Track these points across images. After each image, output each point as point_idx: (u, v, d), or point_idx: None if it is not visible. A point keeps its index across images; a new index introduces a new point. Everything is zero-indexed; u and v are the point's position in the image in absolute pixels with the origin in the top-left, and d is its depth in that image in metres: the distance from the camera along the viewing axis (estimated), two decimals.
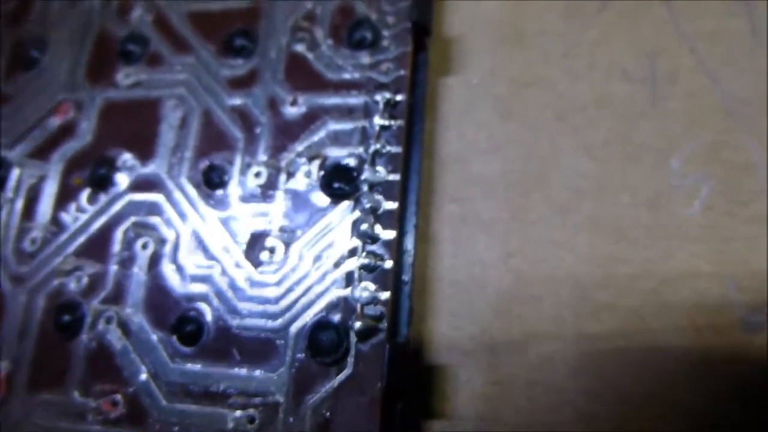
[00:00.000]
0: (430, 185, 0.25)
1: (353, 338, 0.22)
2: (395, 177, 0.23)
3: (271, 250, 0.24)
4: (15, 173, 0.28)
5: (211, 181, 0.25)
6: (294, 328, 0.23)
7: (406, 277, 0.23)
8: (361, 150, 0.24)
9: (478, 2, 0.26)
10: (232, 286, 0.24)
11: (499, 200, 0.24)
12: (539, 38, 0.26)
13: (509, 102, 0.25)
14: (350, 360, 0.22)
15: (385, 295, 0.22)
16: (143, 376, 0.24)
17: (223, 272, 0.24)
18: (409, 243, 0.23)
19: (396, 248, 0.23)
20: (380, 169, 0.23)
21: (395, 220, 0.23)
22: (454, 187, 0.25)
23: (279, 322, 0.23)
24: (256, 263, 0.24)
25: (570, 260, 0.23)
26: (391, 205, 0.23)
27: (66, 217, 0.26)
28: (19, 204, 0.27)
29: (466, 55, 0.26)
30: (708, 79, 0.24)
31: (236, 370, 0.23)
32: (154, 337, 0.24)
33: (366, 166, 0.24)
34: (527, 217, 0.24)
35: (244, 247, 0.24)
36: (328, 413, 0.22)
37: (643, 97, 0.24)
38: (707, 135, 0.23)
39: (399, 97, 0.24)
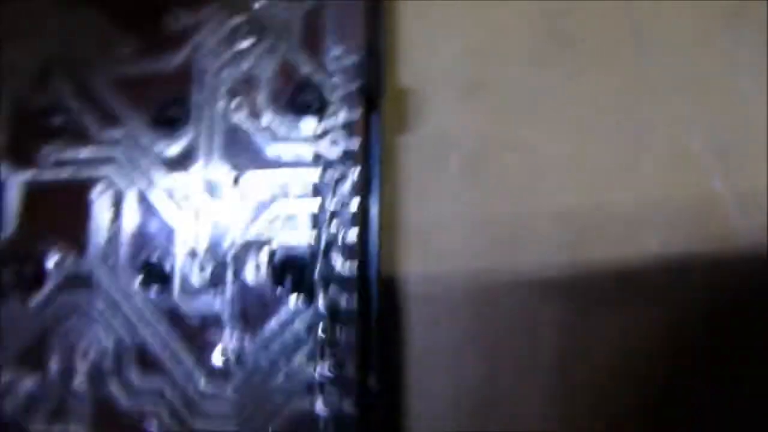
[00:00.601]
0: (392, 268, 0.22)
1: None
2: (352, 268, 0.21)
3: (222, 353, 0.21)
4: None
5: (151, 277, 0.23)
6: None
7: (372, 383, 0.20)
8: (313, 236, 0.21)
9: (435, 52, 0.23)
10: (182, 398, 0.21)
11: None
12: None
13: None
14: None
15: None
16: None
17: (174, 382, 0.22)
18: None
19: (359, 353, 0.20)
20: (336, 259, 0.21)
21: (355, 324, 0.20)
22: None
23: None
24: (207, 371, 0.21)
25: None
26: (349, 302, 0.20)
27: None
28: None
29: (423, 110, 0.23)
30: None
31: None
32: None
33: (320, 258, 0.21)
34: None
35: (194, 351, 0.22)
36: None
37: None
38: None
39: (351, 174, 0.21)
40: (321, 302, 0.20)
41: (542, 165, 0.22)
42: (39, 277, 0.24)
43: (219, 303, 0.22)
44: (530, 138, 0.23)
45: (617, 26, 0.23)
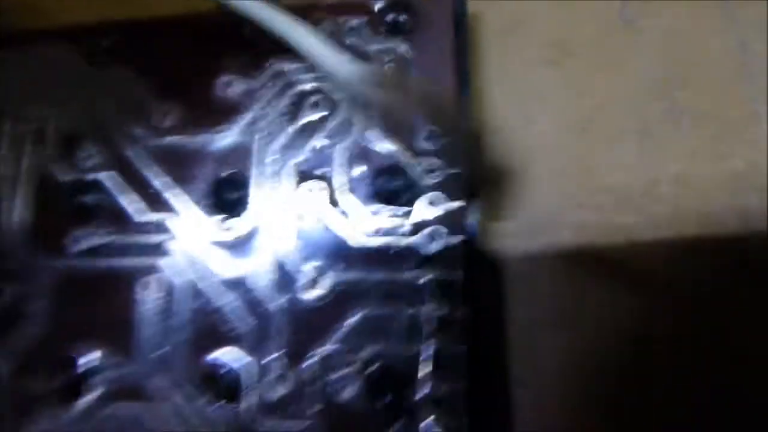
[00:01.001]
0: None
1: None
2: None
3: None
4: None
5: (219, 391, 0.20)
6: None
7: None
8: (412, 350, 0.19)
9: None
10: None
11: None
12: None
13: None
14: None
15: None
16: None
17: None
18: None
19: None
20: (441, 380, 0.18)
21: None
22: None
23: None
24: None
25: None
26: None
27: None
28: None
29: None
30: None
31: None
32: None
33: (422, 373, 0.18)
34: None
35: None
36: None
37: None
38: None
39: (453, 277, 0.19)
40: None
41: None
42: (76, 386, 0.20)
43: (299, 423, 0.19)
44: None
45: None
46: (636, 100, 0.21)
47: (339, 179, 0.20)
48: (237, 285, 0.20)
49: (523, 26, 0.22)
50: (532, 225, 0.21)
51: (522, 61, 0.22)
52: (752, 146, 0.20)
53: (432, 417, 0.18)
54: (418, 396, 0.18)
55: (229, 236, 0.21)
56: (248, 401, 0.19)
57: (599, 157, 0.21)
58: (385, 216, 0.20)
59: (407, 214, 0.20)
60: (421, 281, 0.19)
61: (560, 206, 0.21)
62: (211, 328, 0.20)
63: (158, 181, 0.21)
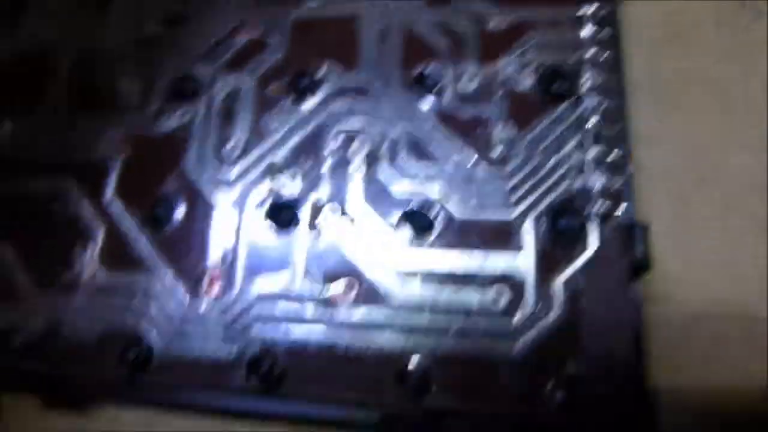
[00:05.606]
0: None
1: (593, 222, 0.23)
2: (612, 78, 0.25)
3: (501, 142, 0.25)
4: (207, 86, 0.28)
5: (426, 87, 0.26)
6: (532, 215, 0.24)
7: (629, 167, 0.24)
8: (574, 56, 0.25)
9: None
10: (461, 181, 0.24)
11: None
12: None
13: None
14: (592, 241, 0.23)
15: (618, 182, 0.23)
16: (375, 265, 0.24)
17: (451, 169, 0.25)
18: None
19: (624, 138, 0.24)
20: (597, 71, 0.25)
21: (618, 115, 0.24)
22: None
23: (516, 210, 0.24)
24: (486, 157, 0.25)
25: None
26: (612, 102, 0.24)
27: (269, 123, 0.27)
28: (217, 114, 0.27)
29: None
30: None
31: (476, 256, 0.23)
32: (383, 230, 0.24)
33: (584, 69, 0.25)
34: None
35: (468, 145, 0.25)
36: (577, 291, 0.22)
37: None
38: None
39: (605, 9, 0.26)
40: (591, 101, 0.24)
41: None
42: (312, 87, 0.27)
43: (488, 106, 0.25)
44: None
45: None
46: None
47: None
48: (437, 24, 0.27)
49: None
50: None
51: None
52: None
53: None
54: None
55: None
56: (447, 94, 0.26)
57: None
58: None
59: None
60: None
61: None
62: (418, 48, 0.27)
63: None
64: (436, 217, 0.24)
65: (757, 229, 0.26)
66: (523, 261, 0.23)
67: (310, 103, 0.27)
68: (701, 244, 0.26)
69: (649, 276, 0.23)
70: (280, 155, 0.26)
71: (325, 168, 0.25)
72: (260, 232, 0.25)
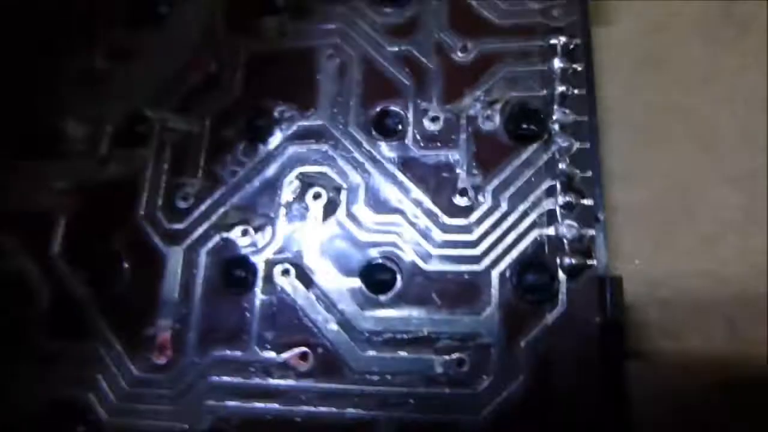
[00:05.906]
0: None
1: (563, 276, 0.22)
2: (584, 118, 0.23)
3: (462, 193, 0.23)
4: (157, 129, 0.26)
5: (386, 128, 0.24)
6: (497, 269, 0.22)
7: (601, 216, 0.22)
8: (544, 93, 0.24)
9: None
10: (424, 233, 0.23)
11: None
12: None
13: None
14: (561, 298, 0.22)
15: (590, 231, 0.22)
16: (333, 327, 0.22)
17: (413, 218, 0.23)
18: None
19: (594, 185, 0.22)
20: (568, 110, 0.23)
21: (590, 159, 0.23)
22: None
23: (481, 265, 0.22)
24: (447, 209, 0.23)
25: None
26: (584, 144, 0.23)
27: (221, 171, 0.25)
28: (166, 160, 0.26)
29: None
30: None
31: (438, 315, 0.22)
32: (341, 287, 0.23)
33: (555, 107, 0.23)
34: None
35: (430, 193, 0.23)
36: (543, 352, 0.21)
37: None
38: None
39: (575, 42, 0.24)
40: (560, 142, 0.23)
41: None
42: (268, 130, 0.25)
43: (452, 150, 0.24)
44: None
45: None
46: None
47: None
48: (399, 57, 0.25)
49: None
50: None
51: None
52: None
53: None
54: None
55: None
56: (410, 135, 0.24)
57: None
58: None
59: None
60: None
61: None
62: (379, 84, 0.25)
63: None
64: (396, 273, 0.23)
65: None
66: (487, 321, 0.22)
67: (265, 148, 0.25)
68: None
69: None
70: (233, 204, 0.24)
71: (281, 219, 0.24)
72: (212, 292, 0.24)
